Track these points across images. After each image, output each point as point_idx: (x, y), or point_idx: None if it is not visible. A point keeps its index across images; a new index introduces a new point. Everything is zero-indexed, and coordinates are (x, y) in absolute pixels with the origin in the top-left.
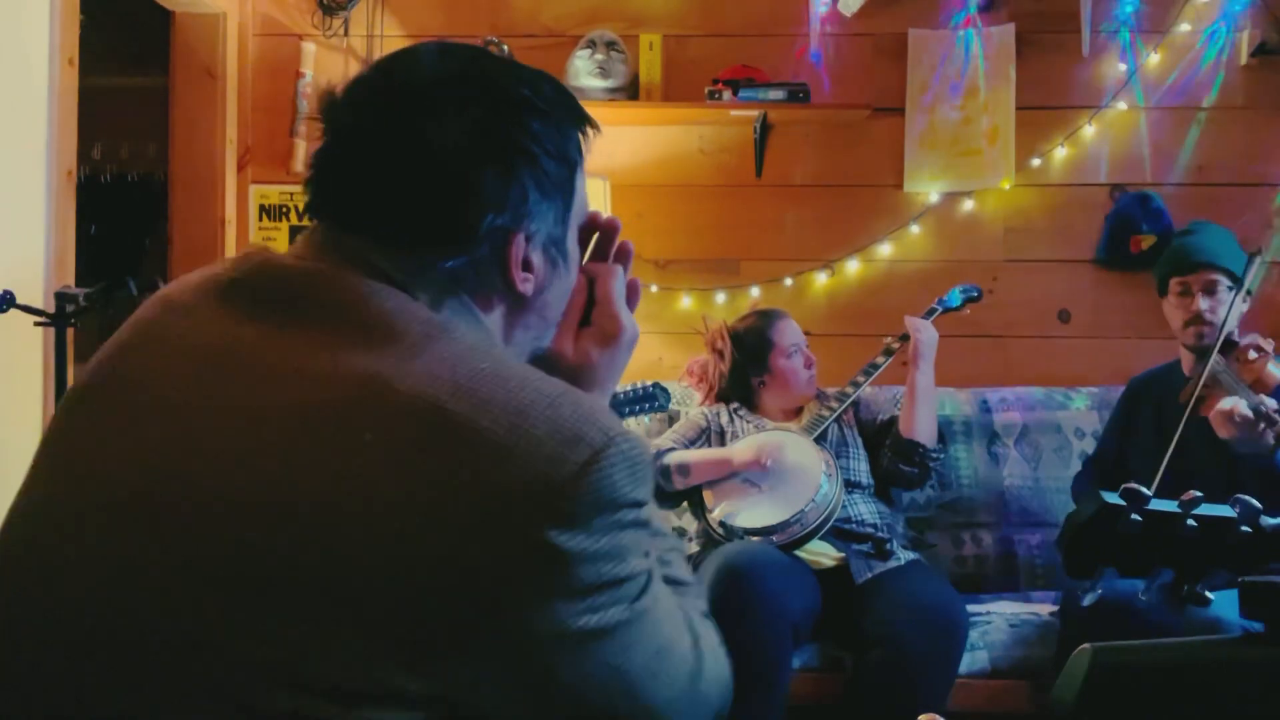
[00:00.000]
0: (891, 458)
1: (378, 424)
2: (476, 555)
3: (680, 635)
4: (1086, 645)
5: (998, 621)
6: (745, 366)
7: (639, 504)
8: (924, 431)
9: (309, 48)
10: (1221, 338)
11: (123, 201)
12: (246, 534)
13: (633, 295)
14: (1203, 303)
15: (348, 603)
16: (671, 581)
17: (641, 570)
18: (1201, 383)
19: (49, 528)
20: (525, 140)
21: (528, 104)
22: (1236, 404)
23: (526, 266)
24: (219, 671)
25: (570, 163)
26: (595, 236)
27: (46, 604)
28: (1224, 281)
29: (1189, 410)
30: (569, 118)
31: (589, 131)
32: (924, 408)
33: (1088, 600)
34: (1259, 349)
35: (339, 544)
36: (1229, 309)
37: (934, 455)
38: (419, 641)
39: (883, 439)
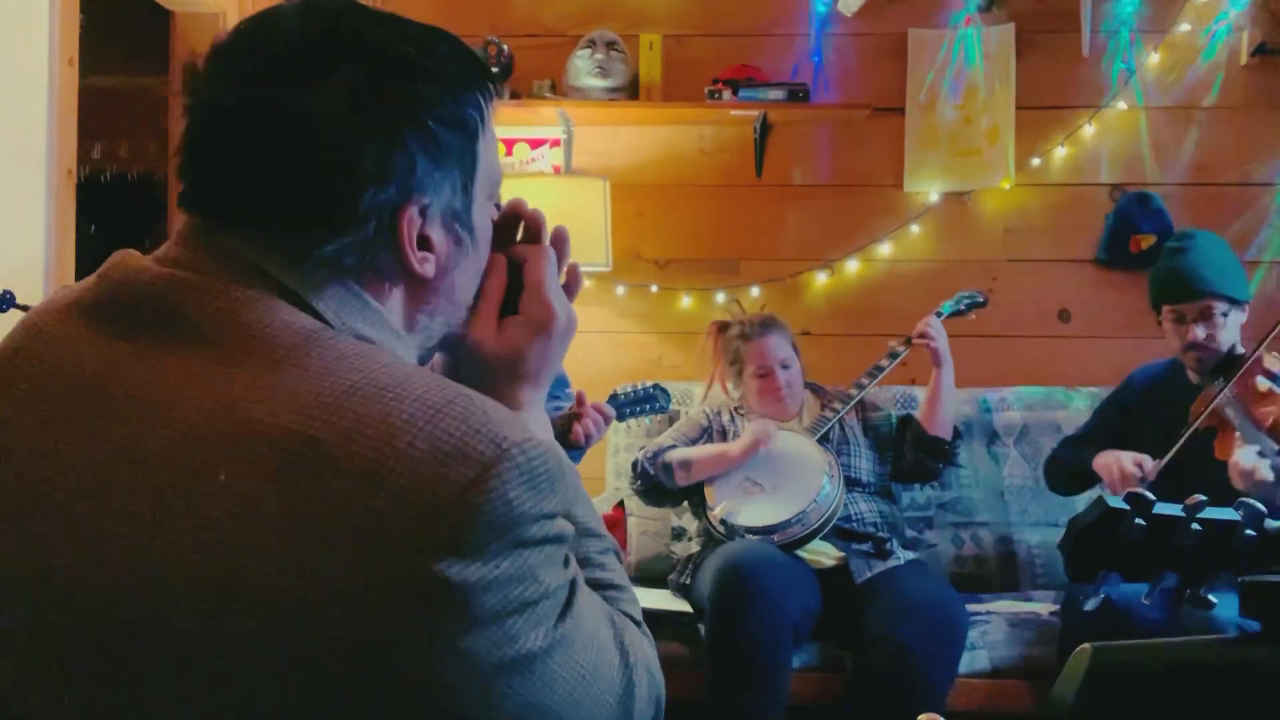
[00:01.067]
0: (917, 455)
1: (233, 461)
2: (361, 601)
3: (607, 655)
4: (1086, 645)
5: (998, 621)
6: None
7: (546, 517)
8: (948, 427)
9: None
10: (1227, 352)
11: (123, 201)
12: (100, 608)
13: (573, 282)
14: (1200, 331)
15: (228, 676)
16: (602, 586)
17: (557, 586)
18: (1209, 412)
19: None
20: (408, 103)
21: (410, 62)
22: (1258, 465)
23: (425, 245)
24: None
25: (468, 129)
26: (521, 226)
27: None
28: (1220, 306)
29: (1190, 431)
30: (465, 78)
31: (490, 90)
32: (948, 405)
33: (1090, 605)
34: (1269, 374)
35: (206, 608)
36: (1229, 330)
37: (957, 447)
38: (319, 699)
39: (900, 437)
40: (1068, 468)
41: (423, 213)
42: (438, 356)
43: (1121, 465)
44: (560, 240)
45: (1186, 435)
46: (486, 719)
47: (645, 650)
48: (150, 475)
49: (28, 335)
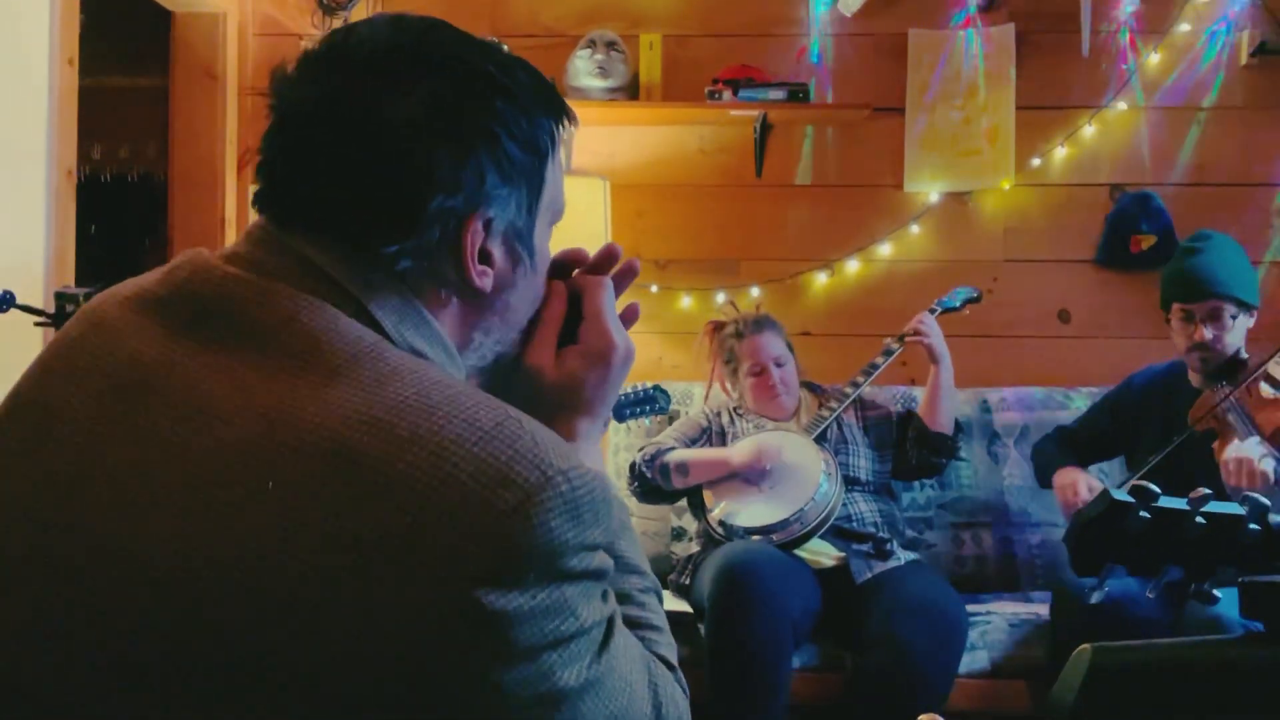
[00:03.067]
0: (921, 452)
1: (280, 468)
2: (394, 622)
3: (640, 704)
4: (1086, 645)
5: (997, 621)
6: (726, 369)
7: (587, 548)
8: (950, 423)
9: None
10: (1231, 357)
11: (123, 201)
12: (141, 600)
13: (629, 319)
14: (1207, 332)
15: (253, 687)
16: (640, 625)
17: (595, 622)
18: (1210, 414)
19: None
20: (485, 118)
21: (491, 81)
22: (1258, 461)
23: (485, 259)
24: None
25: (540, 151)
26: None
27: None
28: (1229, 309)
29: (1188, 433)
30: (542, 105)
31: (566, 124)
32: (949, 401)
33: (1095, 598)
34: (1273, 381)
35: (241, 614)
36: (1235, 333)
37: (960, 442)
38: (350, 716)
39: (902, 435)
40: (1041, 463)
41: (486, 227)
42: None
43: (1077, 491)
44: (628, 274)
45: (1181, 439)
46: None
47: (679, 702)
48: (196, 477)
49: (89, 322)
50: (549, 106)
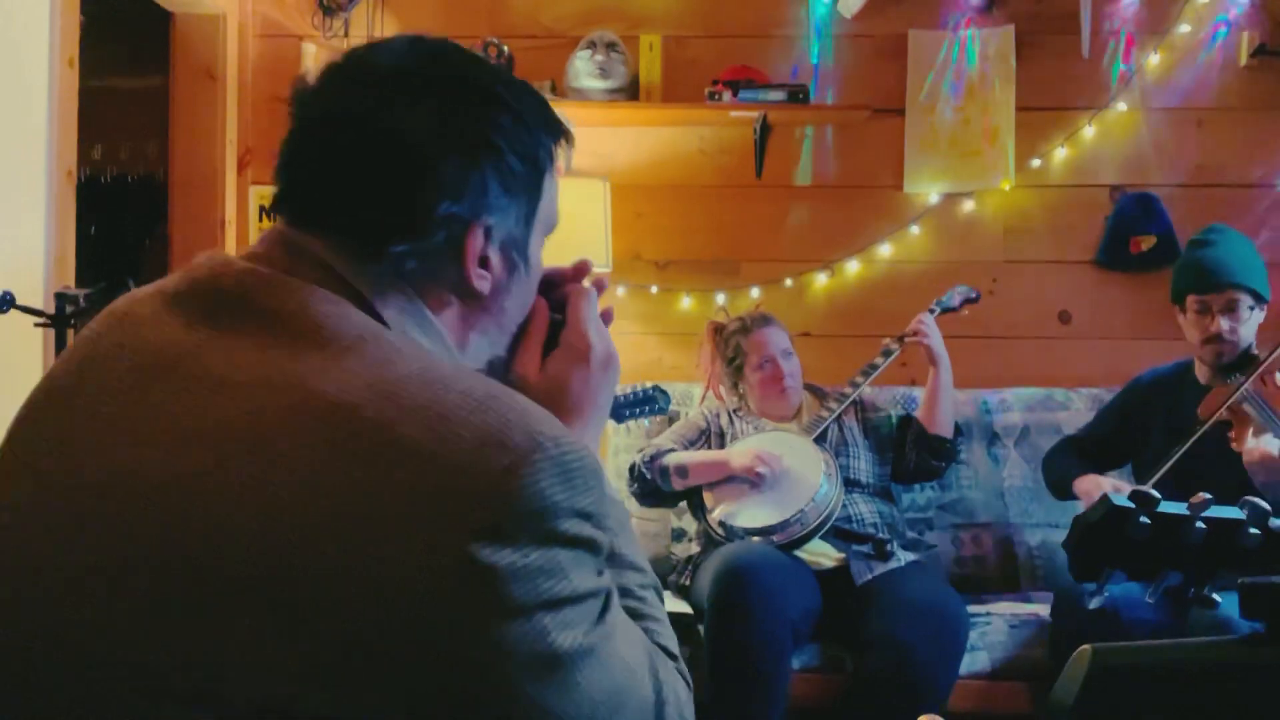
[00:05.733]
0: (920, 455)
1: (292, 433)
2: (398, 571)
3: (640, 687)
4: (1086, 646)
5: (997, 622)
6: (729, 370)
7: (579, 515)
8: (949, 426)
9: (309, 48)
10: (1243, 352)
11: (123, 201)
12: (172, 550)
13: (606, 320)
14: (1223, 323)
15: (272, 625)
16: (641, 617)
17: (588, 590)
18: (1227, 406)
19: None
20: (490, 132)
21: (497, 98)
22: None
23: (483, 264)
24: (140, 689)
25: (538, 166)
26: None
27: None
28: (1245, 300)
29: (1205, 427)
30: (541, 123)
31: (563, 144)
32: (947, 404)
33: (1094, 603)
34: None
35: (261, 561)
36: (1249, 325)
37: (960, 446)
38: (348, 665)
39: (901, 438)
40: (1055, 476)
41: (487, 234)
42: None
43: (1102, 490)
44: (598, 285)
45: (1202, 431)
46: (507, 715)
47: (680, 690)
48: (210, 443)
49: (112, 319)
50: (549, 126)
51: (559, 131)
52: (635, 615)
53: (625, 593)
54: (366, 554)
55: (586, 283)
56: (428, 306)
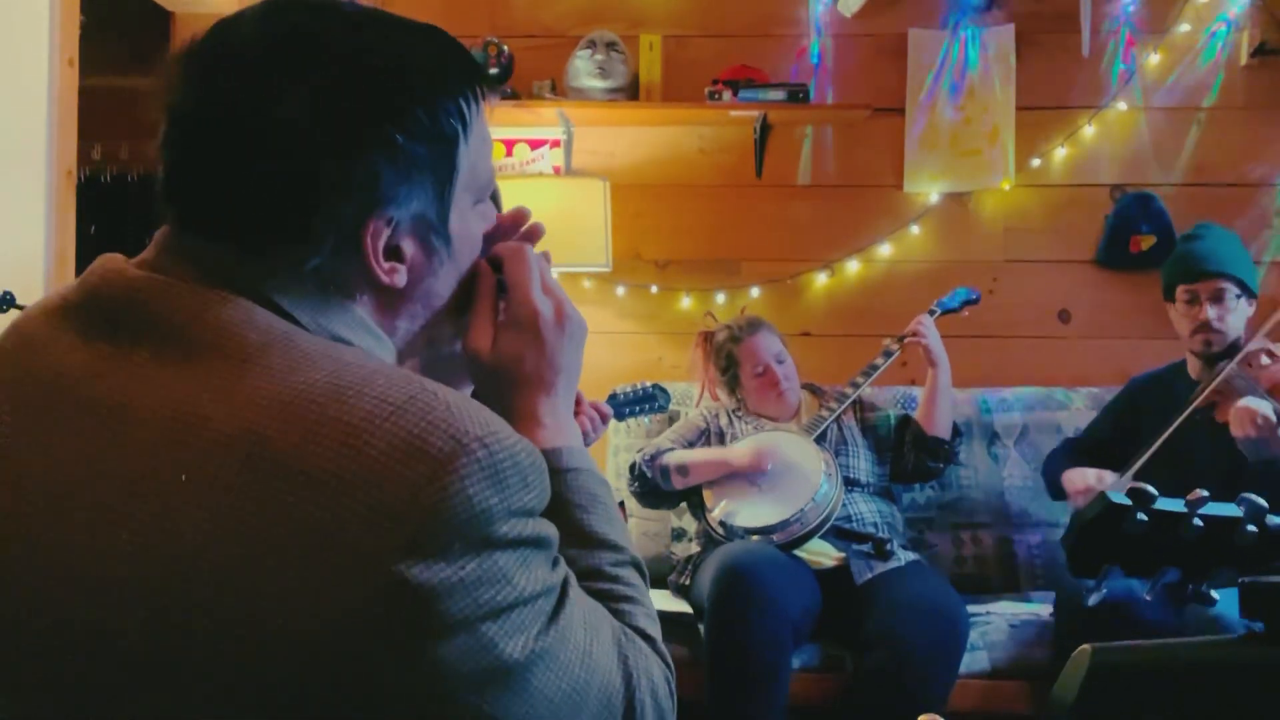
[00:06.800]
0: (918, 456)
1: (194, 464)
2: (320, 609)
3: (603, 675)
4: (1086, 645)
5: (997, 622)
6: (724, 378)
7: (517, 514)
8: (947, 427)
9: None
10: (1231, 344)
11: (123, 201)
12: (62, 602)
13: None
14: (1211, 311)
15: (178, 687)
16: (615, 598)
17: (536, 591)
18: (1213, 387)
19: None
20: (374, 118)
21: (380, 76)
22: (1260, 405)
23: (396, 255)
24: None
25: (447, 138)
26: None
27: None
28: (1232, 289)
29: (1191, 408)
30: (446, 84)
31: (477, 93)
32: (946, 405)
33: (1093, 600)
34: (1271, 354)
35: (167, 612)
36: (1237, 316)
37: (958, 446)
38: (283, 714)
39: (900, 439)
40: (1050, 477)
41: (390, 224)
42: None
43: (1085, 480)
44: (534, 235)
45: (1190, 410)
46: None
47: (653, 671)
48: (112, 480)
49: (12, 337)
50: (457, 85)
51: (472, 85)
52: (606, 597)
53: (595, 574)
54: (285, 591)
55: (525, 229)
56: (343, 298)
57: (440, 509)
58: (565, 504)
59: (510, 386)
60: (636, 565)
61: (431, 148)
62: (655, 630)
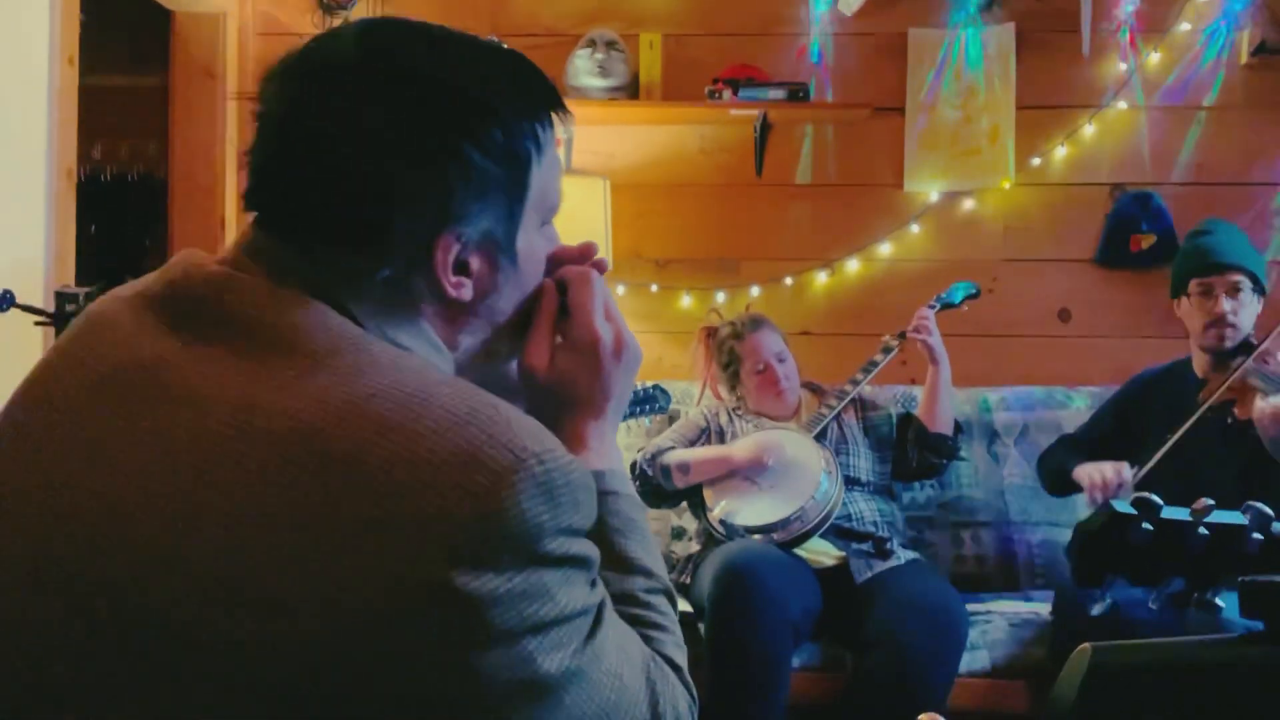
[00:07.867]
0: (921, 453)
1: (256, 455)
2: (370, 607)
3: (634, 695)
4: (1086, 645)
5: (997, 621)
6: (725, 374)
7: (565, 532)
8: (949, 423)
9: None
10: (1243, 341)
11: (123, 201)
12: (131, 590)
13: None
14: (1226, 304)
15: (228, 674)
16: (645, 624)
17: (576, 610)
18: (1229, 384)
19: None
20: (452, 136)
21: (460, 95)
22: None
23: (463, 269)
24: None
25: (520, 159)
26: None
27: None
28: (1247, 283)
29: (1207, 405)
30: (524, 109)
31: (555, 118)
32: (947, 402)
33: (1097, 610)
34: None
35: (218, 601)
36: (1249, 311)
37: (960, 443)
38: (323, 707)
39: (901, 436)
40: (1052, 468)
41: (460, 239)
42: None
43: (1103, 473)
44: (600, 267)
45: (1205, 408)
46: None
47: (679, 701)
48: (179, 463)
49: (88, 319)
50: (533, 108)
51: (549, 108)
52: (638, 622)
53: (629, 599)
54: (337, 587)
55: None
56: (410, 309)
57: (495, 520)
58: (604, 526)
59: (562, 406)
60: (668, 593)
61: (505, 168)
62: (683, 659)
